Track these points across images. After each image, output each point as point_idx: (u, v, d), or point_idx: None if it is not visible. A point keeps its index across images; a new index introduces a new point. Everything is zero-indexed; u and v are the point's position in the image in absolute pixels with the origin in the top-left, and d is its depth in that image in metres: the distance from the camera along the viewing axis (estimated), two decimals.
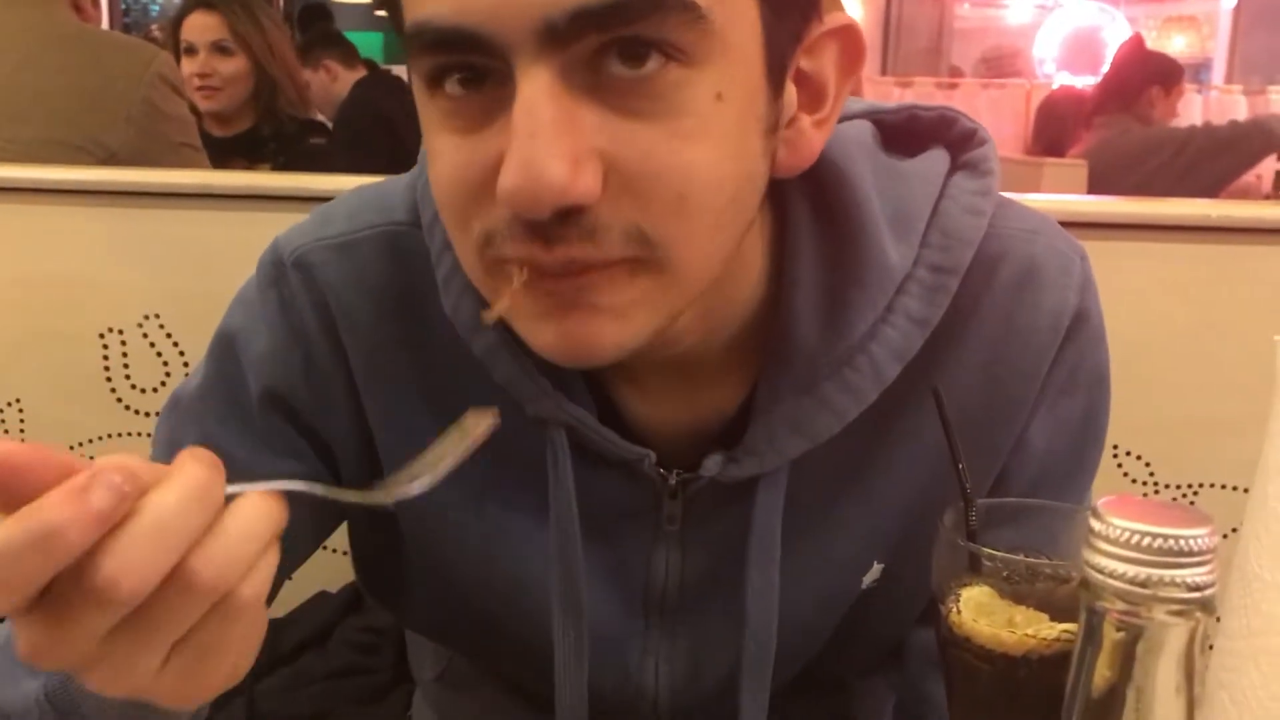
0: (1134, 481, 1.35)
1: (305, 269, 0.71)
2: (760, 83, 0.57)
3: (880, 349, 0.67)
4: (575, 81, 0.52)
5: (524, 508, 0.73)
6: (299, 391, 0.72)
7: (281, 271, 0.72)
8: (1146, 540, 0.36)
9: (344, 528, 0.84)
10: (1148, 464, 1.35)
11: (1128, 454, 1.35)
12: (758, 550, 0.71)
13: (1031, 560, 0.60)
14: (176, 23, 2.60)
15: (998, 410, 0.72)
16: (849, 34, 0.61)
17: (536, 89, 0.51)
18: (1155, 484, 1.35)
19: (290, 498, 0.72)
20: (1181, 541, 0.36)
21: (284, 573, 0.75)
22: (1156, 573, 0.36)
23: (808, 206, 0.67)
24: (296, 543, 0.75)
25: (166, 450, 0.74)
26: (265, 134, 2.59)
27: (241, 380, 0.73)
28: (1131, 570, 0.37)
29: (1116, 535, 0.37)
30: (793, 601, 0.73)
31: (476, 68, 0.54)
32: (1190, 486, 1.35)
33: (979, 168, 0.70)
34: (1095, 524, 0.37)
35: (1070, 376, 0.73)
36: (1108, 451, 1.33)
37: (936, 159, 0.71)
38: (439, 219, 0.67)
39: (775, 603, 0.72)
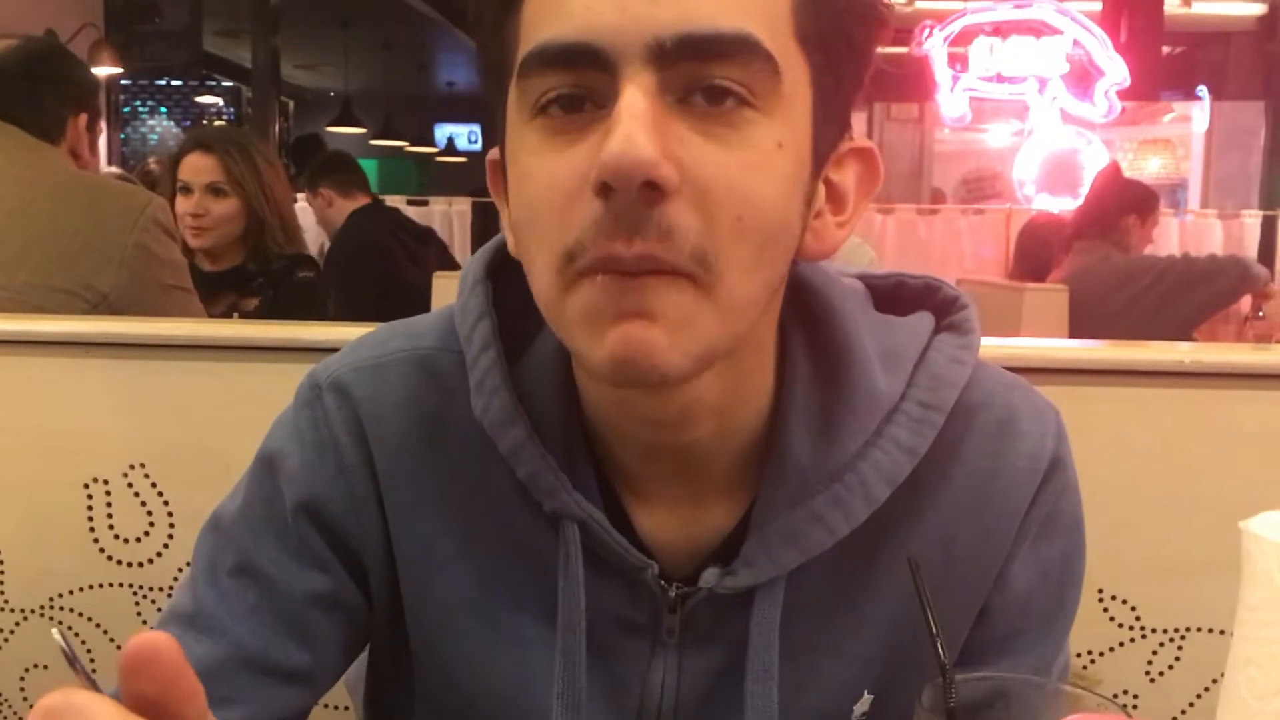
0: (1120, 626, 1.35)
1: (338, 389, 0.78)
2: (808, 154, 0.66)
3: (870, 470, 0.72)
4: (668, 99, 0.60)
5: (529, 609, 0.76)
6: (331, 500, 0.77)
7: (317, 394, 0.79)
8: None
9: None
10: (1134, 609, 1.34)
11: (1114, 598, 1.34)
12: (755, 662, 0.73)
13: None
14: (175, 162, 2.66)
15: (982, 543, 0.76)
16: (869, 156, 0.72)
17: (639, 92, 0.59)
18: (1142, 629, 1.35)
19: (319, 623, 0.77)
20: None
21: (312, 699, 0.80)
22: None
23: (804, 338, 0.74)
24: (326, 664, 0.80)
25: (208, 567, 0.78)
26: (251, 270, 2.63)
27: (278, 495, 0.78)
28: None
29: None
30: None
31: (581, 89, 0.61)
32: (1177, 631, 1.34)
33: (961, 328, 0.77)
34: None
35: (1048, 520, 0.78)
36: (1093, 596, 1.34)
37: (923, 319, 0.79)
38: (479, 324, 0.75)
39: (775, 717, 0.74)
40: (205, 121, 10.08)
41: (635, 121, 0.58)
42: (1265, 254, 5.91)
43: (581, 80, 0.61)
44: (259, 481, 0.80)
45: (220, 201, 2.58)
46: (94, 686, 0.46)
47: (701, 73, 0.60)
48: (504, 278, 0.77)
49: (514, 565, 0.76)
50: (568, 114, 0.62)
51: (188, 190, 2.60)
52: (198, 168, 2.60)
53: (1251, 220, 6.09)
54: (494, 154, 0.72)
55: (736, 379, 0.70)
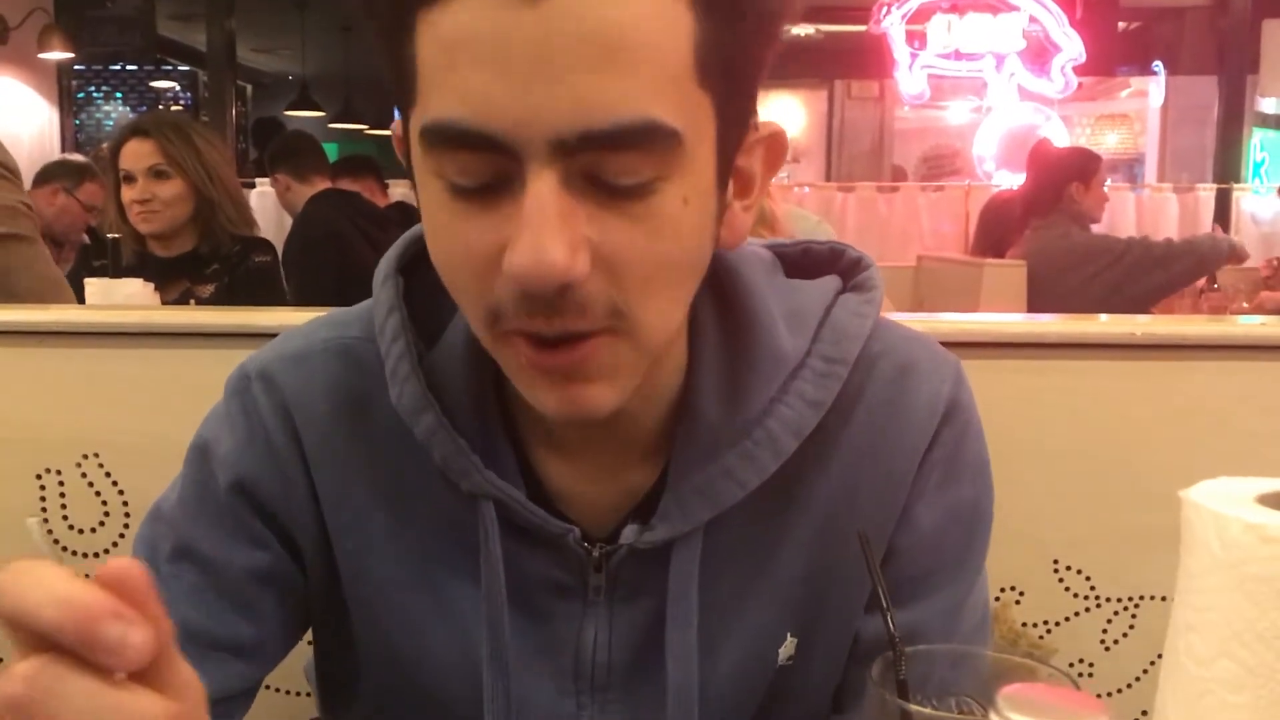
0: (1075, 595, 1.37)
1: (266, 378, 0.81)
2: (712, 185, 0.68)
3: (777, 424, 0.76)
4: (573, 184, 0.61)
5: (461, 581, 0.79)
6: (262, 482, 0.80)
7: (246, 384, 0.82)
8: None
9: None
10: (1088, 578, 1.36)
11: (1068, 568, 1.36)
12: (675, 611, 0.77)
13: (960, 718, 0.60)
14: (114, 152, 2.63)
15: (883, 486, 0.80)
16: (775, 139, 0.74)
17: (544, 188, 0.60)
18: (1096, 598, 1.37)
19: (260, 597, 0.79)
20: None
21: (260, 674, 0.83)
22: None
23: (712, 303, 0.77)
24: (272, 638, 0.83)
25: (148, 556, 0.80)
26: (205, 253, 2.60)
27: (211, 479, 0.81)
28: None
29: None
30: (714, 670, 0.79)
31: (487, 175, 0.62)
32: (1131, 600, 1.36)
33: (864, 286, 0.82)
34: (996, 718, 0.38)
35: (951, 461, 0.81)
36: (1049, 566, 1.36)
37: (829, 281, 0.83)
38: (390, 317, 0.78)
39: (694, 664, 0.77)
40: (161, 107, 9.94)
41: (544, 227, 0.60)
42: (1219, 225, 5.99)
43: (487, 164, 0.62)
44: (193, 468, 0.82)
45: (164, 184, 2.56)
46: None
47: (605, 163, 0.61)
48: (418, 269, 0.79)
49: (443, 540, 0.80)
50: (475, 184, 0.63)
51: (130, 178, 2.58)
52: (137, 153, 2.58)
53: (1206, 194, 6.16)
54: (397, 128, 0.72)
55: (656, 361, 0.72)
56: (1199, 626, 0.52)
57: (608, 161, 0.61)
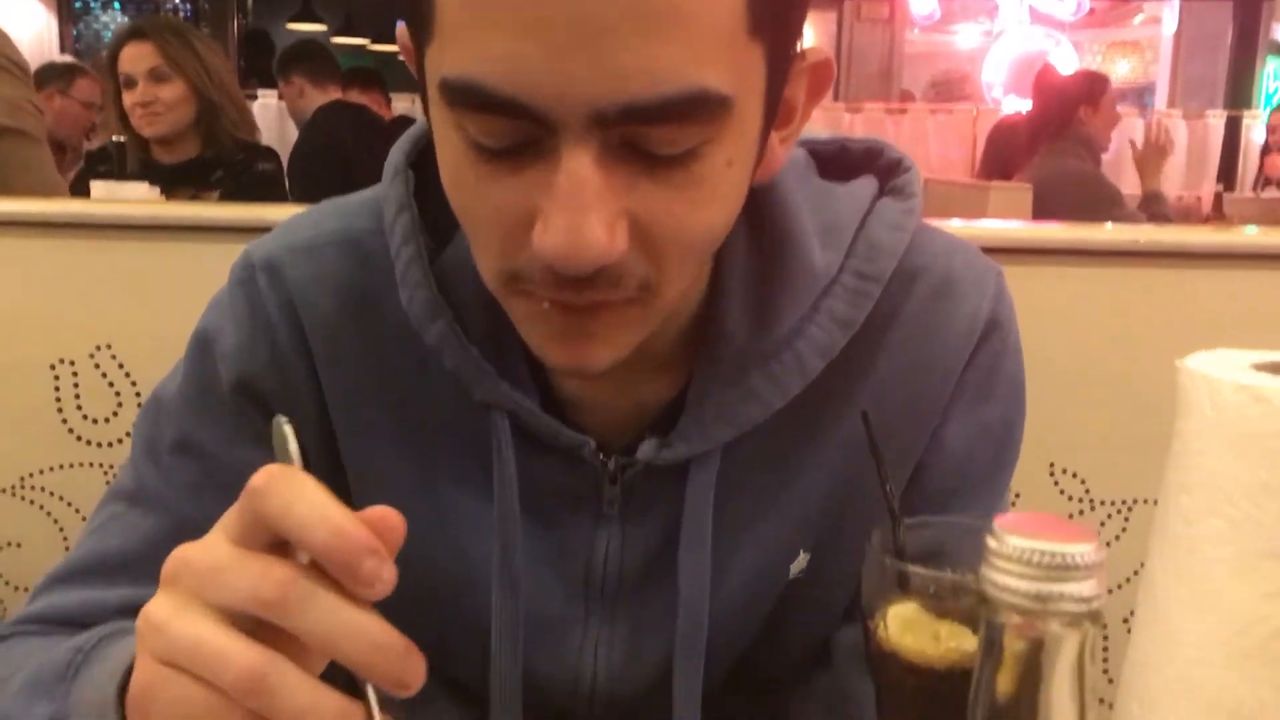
0: (1070, 499, 1.39)
1: (272, 270, 0.77)
2: (758, 138, 0.63)
3: (805, 346, 0.73)
4: (611, 154, 0.56)
5: (470, 490, 0.77)
6: (266, 380, 0.77)
7: (250, 274, 0.78)
8: (1038, 557, 0.39)
9: None
10: (1083, 481, 1.39)
11: (1064, 472, 1.39)
12: (690, 530, 0.75)
13: (957, 576, 0.62)
14: (113, 57, 2.62)
15: (915, 408, 0.78)
16: (821, 67, 0.68)
17: (582, 163, 0.55)
18: (1091, 501, 1.39)
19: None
20: (1070, 557, 0.39)
21: None
22: (1048, 587, 0.39)
23: (743, 217, 0.71)
24: None
25: (148, 446, 0.79)
26: (209, 159, 2.60)
27: (214, 374, 0.78)
28: (1025, 585, 0.39)
29: (1011, 552, 0.39)
30: (725, 586, 0.78)
31: (517, 139, 0.57)
32: (1125, 503, 1.39)
33: (903, 191, 0.77)
34: (992, 543, 0.40)
35: (986, 382, 0.79)
36: (1044, 469, 1.38)
37: (866, 184, 0.78)
38: (400, 217, 0.73)
39: (707, 583, 0.76)
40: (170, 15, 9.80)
41: (581, 207, 0.55)
42: (1228, 153, 5.95)
43: (516, 128, 0.56)
44: (195, 360, 0.79)
45: (165, 86, 2.55)
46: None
47: (647, 136, 0.56)
48: (430, 164, 0.74)
49: (453, 447, 0.77)
50: (505, 152, 0.58)
51: (131, 82, 2.56)
52: (136, 56, 2.57)
53: (1216, 121, 6.11)
54: (404, 35, 0.65)
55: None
56: (1189, 488, 0.54)
57: (651, 132, 0.56)
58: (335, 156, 3.32)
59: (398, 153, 0.77)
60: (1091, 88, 3.77)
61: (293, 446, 0.51)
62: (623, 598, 0.80)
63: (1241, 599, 0.51)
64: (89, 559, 0.76)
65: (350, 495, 0.80)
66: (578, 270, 0.57)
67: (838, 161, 0.81)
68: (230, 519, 0.49)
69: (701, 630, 0.77)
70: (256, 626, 0.47)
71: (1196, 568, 0.53)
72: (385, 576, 0.47)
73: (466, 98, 0.56)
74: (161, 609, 0.48)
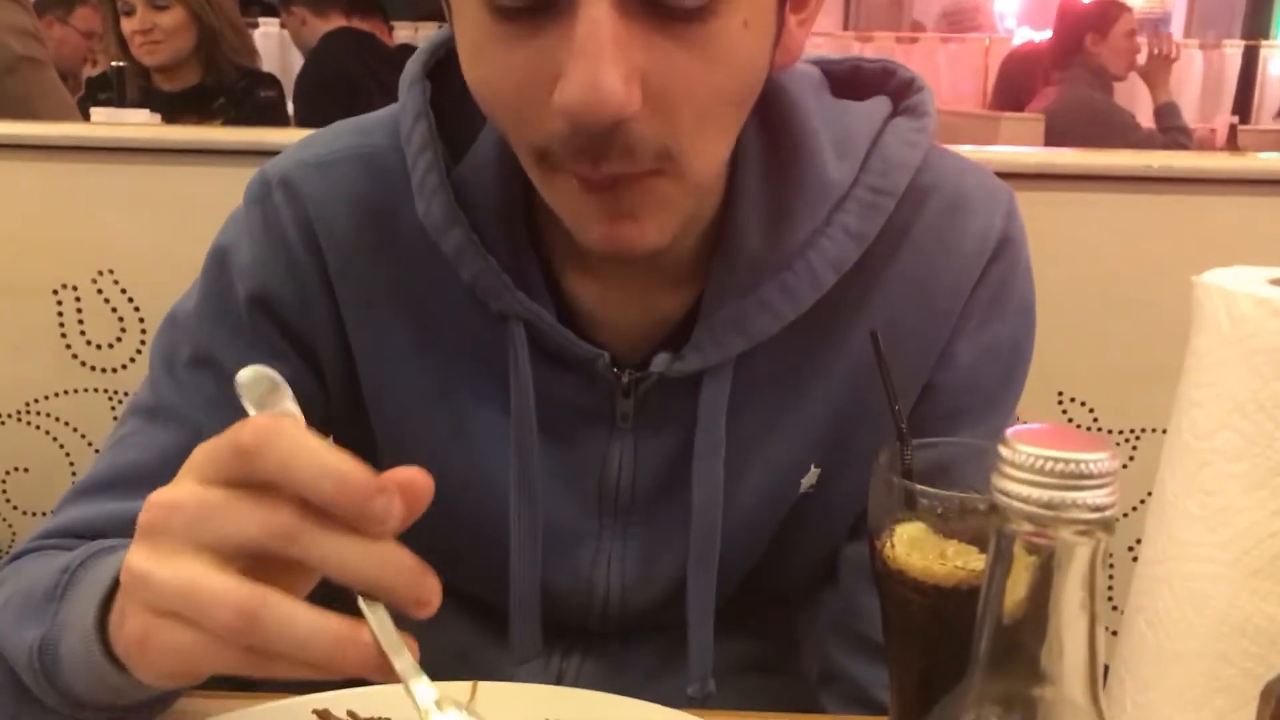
0: (1078, 427, 1.39)
1: (287, 186, 0.77)
2: (774, 3, 0.64)
3: (818, 257, 0.74)
4: (629, 6, 0.57)
5: (486, 403, 0.78)
6: (283, 295, 0.77)
7: (267, 190, 0.78)
8: (1051, 465, 0.38)
9: None
10: (1091, 410, 1.38)
11: (1072, 400, 1.38)
12: (703, 441, 0.76)
13: (964, 496, 0.62)
14: None
15: (926, 324, 0.78)
16: None
17: (599, 12, 0.56)
18: (1099, 429, 1.39)
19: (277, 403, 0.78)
20: (1084, 465, 0.38)
21: None
22: (1060, 495, 0.38)
23: (757, 126, 0.73)
24: None
25: (165, 361, 0.79)
26: (211, 86, 2.57)
27: (230, 289, 0.78)
28: (1037, 493, 0.38)
29: (1023, 461, 0.38)
30: (736, 498, 0.79)
31: None
32: (1133, 431, 1.39)
33: (916, 110, 0.78)
34: (1004, 451, 0.39)
35: (996, 299, 0.79)
36: (1053, 397, 1.38)
37: (879, 103, 0.79)
38: (417, 124, 0.74)
39: (720, 493, 0.77)
40: None
41: (599, 56, 0.56)
42: (1244, 84, 5.86)
43: None
44: (212, 276, 0.80)
45: (164, 14, 2.52)
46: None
47: None
48: (445, 75, 0.76)
49: (469, 360, 0.78)
50: (524, 12, 0.59)
51: (129, 9, 2.53)
52: None
53: (1232, 50, 6.01)
54: None
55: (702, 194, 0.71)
56: (1202, 401, 0.53)
57: None
58: (341, 84, 3.25)
59: (414, 64, 0.77)
60: (1103, 14, 3.70)
61: (288, 398, 0.51)
62: (636, 511, 0.81)
63: (1252, 514, 0.50)
64: (109, 473, 0.77)
65: (365, 410, 0.80)
66: (595, 122, 0.57)
67: (851, 81, 0.81)
68: (207, 467, 0.47)
69: (715, 541, 0.78)
70: (247, 567, 0.46)
71: (1208, 482, 0.52)
72: (395, 511, 0.46)
73: None
74: (145, 558, 0.47)
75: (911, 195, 0.76)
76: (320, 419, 0.83)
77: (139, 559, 0.47)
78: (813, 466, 0.80)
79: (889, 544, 0.62)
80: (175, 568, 0.46)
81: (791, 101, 0.74)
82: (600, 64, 0.56)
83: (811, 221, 0.74)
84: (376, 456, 0.83)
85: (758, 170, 0.74)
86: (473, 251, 0.73)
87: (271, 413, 0.51)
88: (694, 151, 0.63)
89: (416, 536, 0.86)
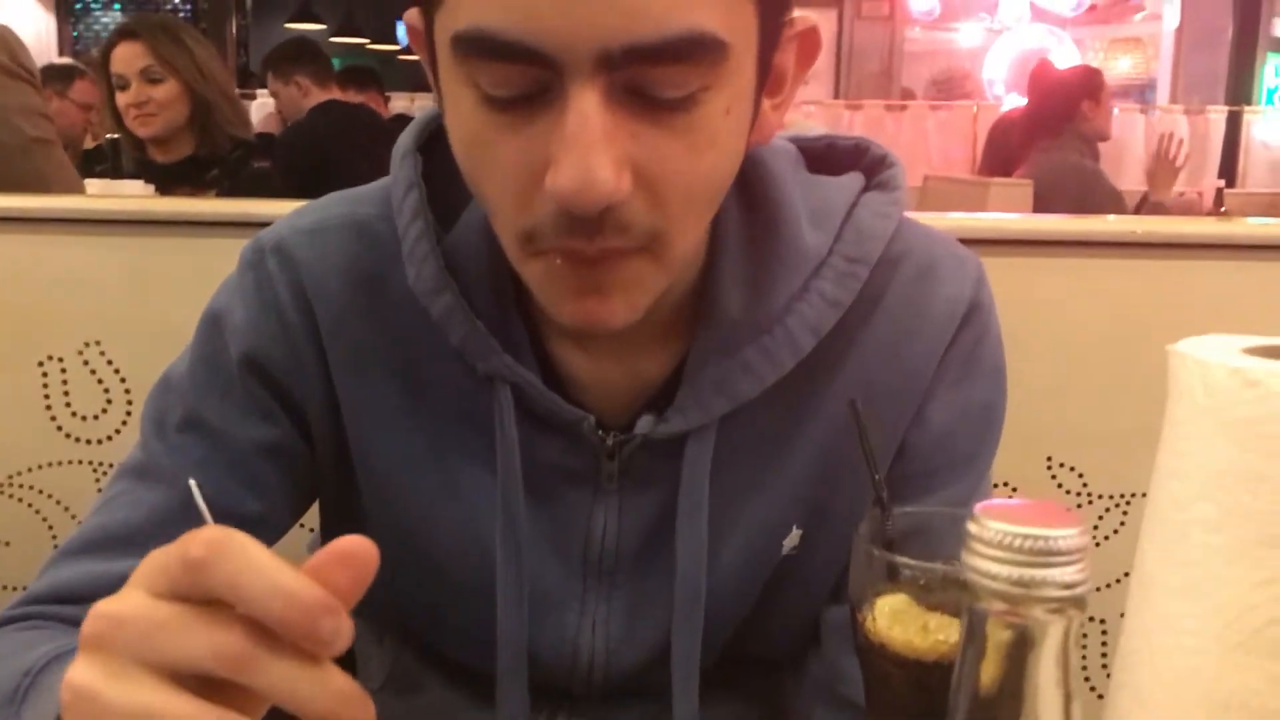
0: (1068, 493, 1.38)
1: (281, 251, 0.80)
2: (752, 90, 0.66)
3: (796, 322, 0.76)
4: (617, 98, 0.59)
5: (473, 464, 0.79)
6: (274, 356, 0.79)
7: (261, 255, 0.80)
8: (1020, 541, 0.38)
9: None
10: (1081, 475, 1.38)
11: (1061, 465, 1.37)
12: (686, 502, 0.78)
13: (947, 568, 0.61)
14: (105, 57, 2.60)
15: (900, 387, 0.80)
16: (810, 35, 0.72)
17: (589, 104, 0.58)
18: (1089, 495, 1.38)
19: (267, 472, 0.79)
20: (1053, 541, 0.38)
21: (272, 539, 0.82)
22: (1031, 573, 0.38)
23: (736, 195, 0.75)
24: (278, 513, 0.82)
25: (156, 423, 0.80)
26: (204, 157, 2.58)
27: (223, 351, 0.80)
28: (1007, 571, 0.38)
29: (992, 537, 0.38)
30: (720, 560, 0.80)
31: (526, 88, 0.60)
32: (1123, 496, 1.38)
33: (888, 184, 0.81)
34: (973, 527, 0.39)
35: (968, 362, 0.82)
36: (1042, 464, 1.37)
37: (853, 178, 0.82)
38: (409, 194, 0.76)
39: (704, 555, 0.78)
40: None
41: (590, 146, 0.58)
42: (1228, 150, 5.94)
43: (526, 75, 0.59)
44: (204, 338, 0.81)
45: (158, 87, 2.53)
46: None
47: (650, 77, 0.59)
48: (436, 149, 0.78)
49: (457, 422, 0.79)
50: (511, 94, 0.61)
51: (124, 83, 2.54)
52: (128, 57, 2.54)
53: (1216, 116, 6.10)
54: (412, 19, 0.69)
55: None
56: (1180, 472, 0.53)
57: (653, 74, 0.59)
58: (316, 159, 3.23)
59: (407, 137, 0.80)
60: (1092, 82, 3.76)
61: (200, 505, 0.48)
62: (621, 573, 0.82)
63: (1233, 587, 0.50)
64: (95, 533, 0.77)
65: (353, 472, 0.82)
66: (587, 208, 0.60)
67: (826, 157, 0.84)
68: (156, 579, 0.45)
69: (699, 603, 0.79)
70: (200, 685, 0.45)
71: (1188, 554, 0.52)
72: (344, 633, 0.44)
73: (479, 47, 0.59)
74: (93, 676, 0.44)
75: (884, 263, 0.79)
76: (307, 480, 0.84)
77: (85, 676, 0.44)
78: (795, 528, 0.82)
79: (870, 617, 0.61)
80: (126, 689, 0.43)
81: (770, 174, 0.77)
82: (590, 153, 0.58)
83: (790, 287, 0.76)
84: (363, 520, 0.84)
85: (738, 238, 0.76)
86: (461, 315, 0.75)
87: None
88: (680, 232, 0.65)
89: (404, 599, 0.86)
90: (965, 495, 0.83)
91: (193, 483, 0.50)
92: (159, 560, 0.45)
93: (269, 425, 0.80)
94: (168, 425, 0.80)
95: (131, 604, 0.45)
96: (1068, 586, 0.38)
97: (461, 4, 0.60)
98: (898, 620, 0.61)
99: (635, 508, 0.80)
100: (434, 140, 0.78)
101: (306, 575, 0.44)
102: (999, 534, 0.38)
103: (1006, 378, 0.85)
